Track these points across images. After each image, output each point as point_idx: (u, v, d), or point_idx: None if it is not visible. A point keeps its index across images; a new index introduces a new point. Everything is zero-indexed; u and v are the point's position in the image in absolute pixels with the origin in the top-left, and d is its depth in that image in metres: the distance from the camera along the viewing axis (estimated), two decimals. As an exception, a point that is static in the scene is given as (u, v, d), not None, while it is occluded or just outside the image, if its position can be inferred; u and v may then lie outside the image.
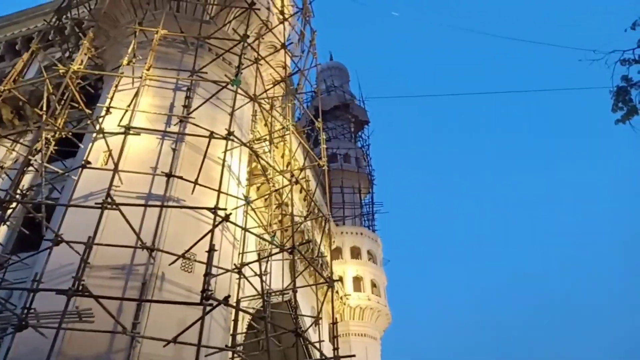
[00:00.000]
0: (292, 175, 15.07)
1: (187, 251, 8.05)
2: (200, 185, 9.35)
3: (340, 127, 43.61)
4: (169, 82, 12.03)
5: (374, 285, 32.03)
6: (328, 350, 26.46)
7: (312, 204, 28.23)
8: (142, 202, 9.31)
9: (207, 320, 8.99)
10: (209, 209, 8.47)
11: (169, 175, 9.23)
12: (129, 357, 7.53)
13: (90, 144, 10.52)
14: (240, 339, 12.60)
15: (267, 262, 12.94)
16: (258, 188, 19.37)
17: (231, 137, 9.94)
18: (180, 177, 9.35)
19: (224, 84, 10.76)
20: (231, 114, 11.13)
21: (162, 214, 9.26)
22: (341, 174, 37.99)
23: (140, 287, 7.97)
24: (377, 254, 34.19)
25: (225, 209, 8.40)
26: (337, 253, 32.96)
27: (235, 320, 9.88)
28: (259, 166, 15.43)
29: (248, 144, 11.64)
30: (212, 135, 9.67)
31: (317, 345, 23.74)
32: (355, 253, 32.98)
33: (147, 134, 10.57)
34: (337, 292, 28.49)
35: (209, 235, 9.96)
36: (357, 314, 29.92)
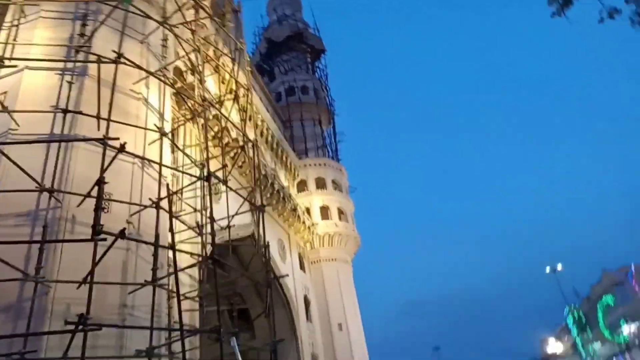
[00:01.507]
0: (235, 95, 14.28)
1: (89, 192, 7.49)
2: (104, 119, 8.62)
3: (296, 59, 41.92)
4: (68, 12, 10.84)
5: (341, 212, 32.39)
6: (299, 277, 27.12)
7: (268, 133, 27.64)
8: (44, 143, 8.59)
9: (131, 258, 8.75)
10: (97, 139, 7.82)
11: (65, 111, 8.44)
12: (41, 304, 7.19)
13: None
14: (186, 278, 12.43)
15: (203, 198, 12.56)
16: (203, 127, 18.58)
17: (123, 61, 9.03)
18: (79, 112, 8.59)
19: (114, 4, 9.68)
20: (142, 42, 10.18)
21: (66, 154, 8.61)
22: (300, 107, 37.04)
23: (43, 231, 7.45)
24: (343, 182, 34.29)
25: (117, 139, 7.77)
26: (302, 186, 32.91)
27: (175, 259, 9.50)
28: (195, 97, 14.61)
29: (160, 72, 10.71)
30: (117, 61, 8.78)
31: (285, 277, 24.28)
32: (321, 184, 32.98)
33: (46, 71, 9.61)
34: (303, 222, 28.70)
35: (127, 174, 9.54)
36: (326, 241, 30.45)
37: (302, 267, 28.51)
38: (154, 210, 9.34)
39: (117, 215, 8.83)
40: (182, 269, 10.08)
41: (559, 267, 47.93)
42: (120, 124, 9.54)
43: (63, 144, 8.72)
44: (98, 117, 8.35)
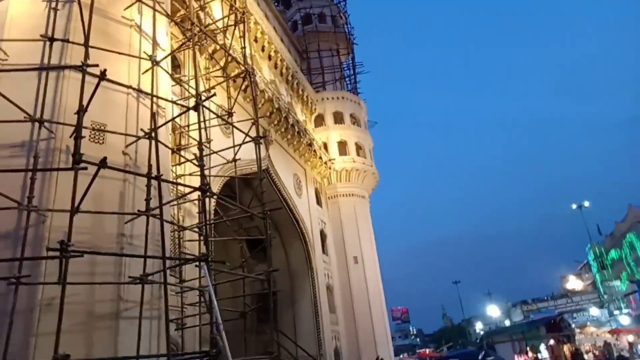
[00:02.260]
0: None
1: (79, 122, 7.30)
2: (89, 47, 8.28)
3: (313, -17, 39.61)
4: None
5: (359, 147, 31.97)
6: (315, 212, 27.39)
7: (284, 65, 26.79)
8: (35, 74, 8.39)
9: (128, 188, 8.75)
10: (75, 67, 7.54)
11: (51, 40, 8.13)
12: (37, 232, 7.34)
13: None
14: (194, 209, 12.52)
15: (206, 129, 12.35)
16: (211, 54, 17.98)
17: None
18: (65, 40, 8.27)
19: None
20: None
21: (57, 85, 8.41)
22: (317, 36, 35.57)
23: (34, 161, 7.44)
24: (361, 117, 33.54)
25: (96, 65, 7.46)
26: (320, 120, 32.36)
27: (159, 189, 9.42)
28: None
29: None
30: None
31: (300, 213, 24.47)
32: (339, 118, 32.34)
33: (33, -3, 9.20)
34: (320, 157, 28.50)
35: (122, 105, 9.32)
36: (343, 176, 30.36)
37: (318, 202, 28.71)
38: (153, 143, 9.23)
39: (112, 146, 8.74)
40: (171, 200, 10.04)
41: (586, 203, 46.90)
42: (111, 53, 9.25)
43: (54, 74, 8.51)
44: (85, 45, 8.00)
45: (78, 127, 6.58)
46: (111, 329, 7.58)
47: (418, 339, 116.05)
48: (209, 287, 7.28)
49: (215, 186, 16.73)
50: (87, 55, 7.54)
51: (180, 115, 9.09)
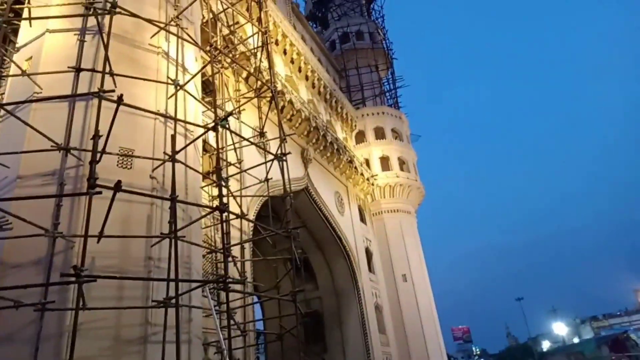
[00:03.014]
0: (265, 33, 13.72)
1: (103, 148, 7.44)
2: (117, 75, 8.52)
3: (349, 2, 39.92)
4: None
5: (402, 162, 31.28)
6: (359, 229, 26.85)
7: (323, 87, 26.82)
8: (66, 104, 8.72)
9: (156, 212, 8.79)
10: (92, 93, 7.71)
11: (78, 70, 8.44)
12: (67, 258, 7.46)
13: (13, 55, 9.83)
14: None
15: (235, 150, 12.35)
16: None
17: (119, 11, 8.74)
18: (90, 70, 8.54)
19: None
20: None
21: (86, 113, 8.68)
22: (355, 54, 35.57)
23: (59, 188, 7.62)
24: (403, 131, 32.89)
25: (112, 91, 7.57)
26: (360, 137, 32.07)
27: (173, 211, 9.35)
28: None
29: (176, 22, 10.34)
30: (111, 12, 8.54)
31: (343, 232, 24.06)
32: (380, 133, 31.89)
33: (65, 32, 9.67)
34: (362, 174, 28.09)
35: (149, 130, 9.49)
36: (387, 192, 29.71)
37: (362, 219, 28.17)
38: (181, 166, 9.32)
39: (140, 171, 8.86)
40: (194, 222, 9.97)
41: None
42: (138, 80, 9.51)
43: (82, 103, 8.80)
44: (103, 71, 8.23)
45: (94, 152, 6.67)
46: (140, 353, 7.51)
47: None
48: (212, 310, 7.08)
49: (253, 207, 16.73)
50: (102, 82, 7.72)
51: (200, 137, 9.09)
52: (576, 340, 51.34)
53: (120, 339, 7.51)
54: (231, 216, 10.73)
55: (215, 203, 12.69)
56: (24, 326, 6.89)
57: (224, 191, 10.57)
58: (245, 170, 12.44)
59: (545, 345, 74.68)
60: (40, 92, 8.95)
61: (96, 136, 6.82)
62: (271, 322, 25.83)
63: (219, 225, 13.89)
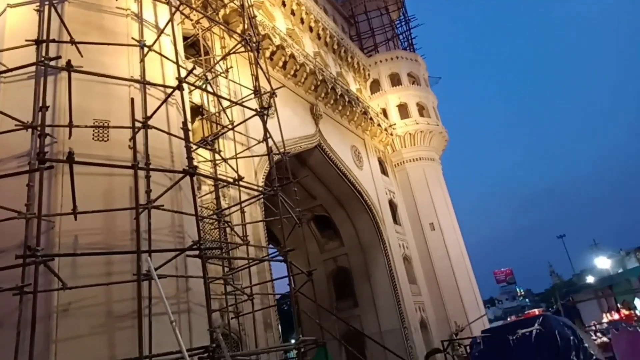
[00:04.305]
0: None
1: (43, 121, 7.03)
2: (81, 43, 8.01)
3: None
4: None
5: (422, 108, 29.98)
6: (381, 182, 26.20)
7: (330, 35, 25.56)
8: (32, 78, 8.34)
9: (141, 184, 8.45)
10: (38, 63, 7.19)
11: (38, 42, 7.94)
12: (49, 238, 7.27)
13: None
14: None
15: (225, 111, 11.75)
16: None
17: None
18: (51, 41, 8.04)
19: None
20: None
21: (55, 88, 8.27)
22: (363, -3, 33.65)
23: (30, 168, 7.32)
24: (420, 74, 31.35)
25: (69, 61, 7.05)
26: (375, 86, 30.81)
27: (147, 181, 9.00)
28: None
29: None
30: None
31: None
32: (395, 80, 30.50)
33: (27, 5, 9.16)
34: (379, 125, 27.11)
35: (124, 99, 9.03)
36: (407, 141, 28.70)
37: (384, 171, 27.43)
38: (164, 134, 8.90)
39: (117, 142, 8.47)
40: (168, 189, 9.62)
41: None
42: (109, 46, 9.00)
43: (51, 78, 8.37)
44: (71, 41, 7.74)
45: (42, 126, 6.27)
46: (133, 327, 7.35)
47: (527, 300, 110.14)
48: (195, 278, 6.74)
49: (262, 169, 16.25)
50: (58, 50, 7.22)
51: (167, 98, 8.50)
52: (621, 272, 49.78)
53: (113, 315, 7.38)
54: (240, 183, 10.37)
55: (213, 170, 12.36)
56: (12, 311, 6.80)
57: (209, 156, 10.16)
58: (231, 129, 11.82)
59: (590, 280, 73.18)
60: (3, 69, 8.59)
61: (42, 108, 6.38)
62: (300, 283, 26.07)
63: (226, 191, 13.67)
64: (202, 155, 12.48)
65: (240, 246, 11.05)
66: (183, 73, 8.52)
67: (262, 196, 10.26)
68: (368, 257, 23.71)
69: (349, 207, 23.80)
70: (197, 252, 6.55)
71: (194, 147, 9.89)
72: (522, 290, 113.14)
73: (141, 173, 8.47)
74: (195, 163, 11.85)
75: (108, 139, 8.45)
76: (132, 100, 7.68)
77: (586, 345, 5.84)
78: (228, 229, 12.76)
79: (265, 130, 9.60)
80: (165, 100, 8.14)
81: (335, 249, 24.95)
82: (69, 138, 7.90)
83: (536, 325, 5.93)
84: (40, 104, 7.10)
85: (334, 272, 24.91)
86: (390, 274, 22.89)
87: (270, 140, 11.72)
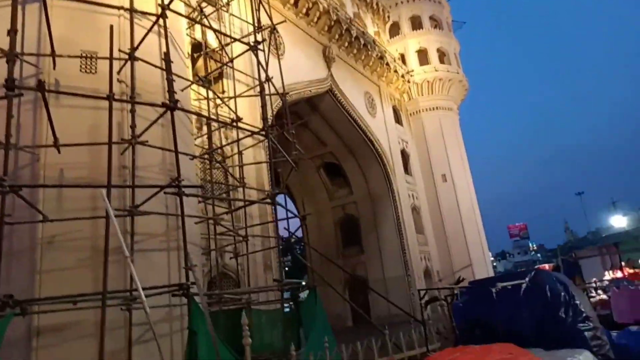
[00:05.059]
0: None
1: (11, 46, 6.67)
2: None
3: None
4: None
5: (442, 54, 28.62)
6: (394, 131, 25.55)
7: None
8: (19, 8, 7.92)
9: (127, 117, 8.17)
10: None
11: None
12: (33, 171, 7.16)
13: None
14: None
15: (223, 49, 11.18)
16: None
17: None
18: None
19: None
20: None
21: (41, 16, 7.87)
22: None
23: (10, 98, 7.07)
24: (443, 17, 29.68)
25: None
26: (395, 29, 29.37)
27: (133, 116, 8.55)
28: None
29: None
30: None
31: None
32: (417, 23, 28.97)
33: None
34: (395, 71, 26.07)
35: (114, 30, 8.58)
36: (425, 89, 27.65)
37: (398, 120, 26.68)
38: (155, 69, 8.52)
39: (106, 75, 8.11)
40: (151, 124, 9.28)
41: None
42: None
43: (35, 5, 7.96)
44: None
45: (10, 52, 5.93)
46: (120, 262, 7.36)
47: (539, 255, 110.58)
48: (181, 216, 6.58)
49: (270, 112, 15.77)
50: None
51: (151, 27, 8.02)
52: (638, 233, 48.93)
53: (99, 249, 7.36)
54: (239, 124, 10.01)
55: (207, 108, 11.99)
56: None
57: (200, 93, 9.76)
58: (225, 64, 11.30)
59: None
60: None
61: (11, 31, 6.01)
62: (310, 230, 26.24)
63: (229, 133, 13.36)
64: (203, 94, 12.11)
65: (238, 188, 10.87)
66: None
67: (252, 135, 9.87)
68: (377, 206, 23.56)
69: (360, 155, 23.38)
70: (175, 190, 6.33)
71: (187, 83, 9.52)
72: (534, 245, 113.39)
73: (128, 108, 8.26)
74: (194, 102, 11.54)
75: (96, 72, 8.12)
76: (112, 27, 7.21)
77: (577, 302, 5.57)
78: (231, 171, 12.65)
79: (259, 65, 9.09)
80: (150, 30, 7.70)
81: (345, 197, 24.85)
82: (54, 69, 7.61)
83: (527, 279, 5.66)
84: (13, 28, 6.70)
85: (342, 219, 24.95)
86: (397, 223, 22.80)
87: (274, 82, 11.25)
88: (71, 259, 7.11)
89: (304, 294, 11.15)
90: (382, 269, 22.78)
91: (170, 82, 6.60)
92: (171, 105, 6.46)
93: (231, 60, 10.96)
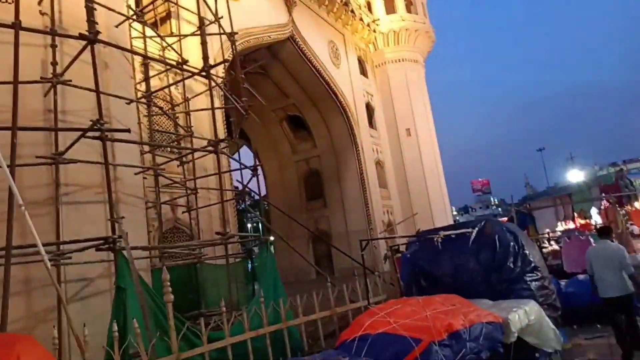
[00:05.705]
0: None
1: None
2: None
3: None
4: None
5: (409, 2, 27.67)
6: (359, 83, 24.92)
7: None
8: None
9: (53, 55, 7.33)
10: None
11: None
12: None
13: None
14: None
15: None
16: None
17: None
18: None
19: None
20: None
21: None
22: None
23: None
24: (412, -37, 28.45)
25: None
26: (363, -26, 27.98)
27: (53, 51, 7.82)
28: None
29: None
30: None
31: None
32: (384, -31, 27.69)
33: None
34: (361, 19, 25.10)
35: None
36: (391, 39, 26.86)
37: (363, 72, 25.98)
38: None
39: (27, 6, 7.16)
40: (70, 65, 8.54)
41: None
42: None
43: None
44: None
45: None
46: (50, 215, 6.76)
47: (500, 209, 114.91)
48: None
49: (220, 57, 14.84)
50: None
51: None
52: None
53: (25, 201, 6.71)
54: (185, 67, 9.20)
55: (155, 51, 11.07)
56: None
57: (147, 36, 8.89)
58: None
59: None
60: None
61: None
62: (272, 183, 25.84)
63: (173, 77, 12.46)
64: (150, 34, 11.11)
65: (186, 137, 10.22)
66: None
67: (192, 76, 9.12)
68: (340, 159, 23.27)
69: (323, 107, 22.77)
70: (97, 134, 5.69)
71: (127, 17, 8.55)
72: (496, 200, 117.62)
73: (58, 44, 7.38)
74: (139, 43, 10.54)
75: (13, 1, 7.14)
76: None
77: (526, 252, 5.44)
78: (181, 120, 11.90)
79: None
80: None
81: (308, 151, 24.40)
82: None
83: (476, 228, 5.46)
84: None
85: (306, 173, 24.60)
86: (360, 177, 22.66)
87: (224, 24, 10.37)
88: (-4, 212, 6.47)
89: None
90: (345, 223, 22.81)
91: (90, 10, 5.78)
92: (90, 37, 5.67)
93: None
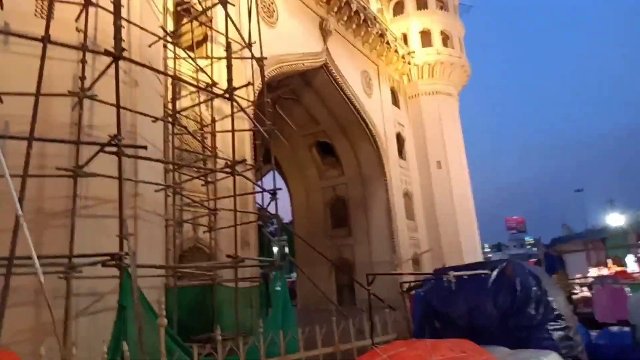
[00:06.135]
0: None
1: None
2: None
3: None
4: None
5: (446, 37, 27.65)
6: (390, 113, 24.82)
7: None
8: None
9: (86, 71, 7.55)
10: None
11: None
12: None
13: None
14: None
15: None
16: None
17: None
18: None
19: None
20: None
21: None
22: None
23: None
24: (450, -1, 28.59)
25: None
26: (399, 8, 28.33)
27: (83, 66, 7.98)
28: None
29: None
30: None
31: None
32: (422, 2, 27.91)
33: None
34: (396, 51, 25.19)
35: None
36: (425, 72, 26.77)
37: (395, 102, 25.90)
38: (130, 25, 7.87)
39: (63, 21, 7.49)
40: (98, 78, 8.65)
41: None
42: None
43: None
44: None
45: None
46: (66, 227, 6.82)
47: (535, 249, 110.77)
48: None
49: (256, 81, 15.06)
50: None
51: None
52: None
53: (44, 211, 6.84)
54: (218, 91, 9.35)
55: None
56: None
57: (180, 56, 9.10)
58: (194, 18, 10.51)
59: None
60: None
61: None
62: (298, 208, 25.71)
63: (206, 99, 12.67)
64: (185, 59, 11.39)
65: (210, 157, 10.29)
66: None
67: (215, 98, 9.21)
68: (367, 188, 23.00)
69: (353, 135, 22.71)
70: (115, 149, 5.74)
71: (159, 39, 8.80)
72: (531, 239, 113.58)
73: (89, 60, 7.63)
74: (170, 62, 10.78)
75: (53, 17, 7.45)
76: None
77: (550, 298, 5.03)
78: (208, 141, 12.02)
79: (227, 20, 8.37)
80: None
81: (335, 178, 24.27)
82: (1, 9, 6.96)
83: (496, 270, 5.11)
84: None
85: (332, 199, 24.42)
86: (387, 207, 22.27)
87: (264, 51, 10.55)
88: (12, 221, 6.58)
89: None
90: (370, 253, 22.35)
91: (118, 28, 5.92)
92: (115, 53, 5.79)
93: (210, 20, 10.25)
